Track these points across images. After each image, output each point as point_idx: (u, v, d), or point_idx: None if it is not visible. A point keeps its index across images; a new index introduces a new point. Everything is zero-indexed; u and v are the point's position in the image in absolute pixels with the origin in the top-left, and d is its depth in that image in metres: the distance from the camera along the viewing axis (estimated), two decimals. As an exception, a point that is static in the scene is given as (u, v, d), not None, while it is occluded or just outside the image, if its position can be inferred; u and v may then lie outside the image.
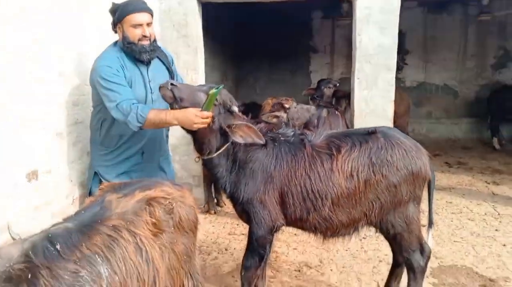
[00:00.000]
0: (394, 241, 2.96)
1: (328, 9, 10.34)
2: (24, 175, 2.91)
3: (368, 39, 5.12)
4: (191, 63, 5.18)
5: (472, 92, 10.40)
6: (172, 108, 2.87)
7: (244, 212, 2.99)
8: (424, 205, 3.39)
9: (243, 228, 4.93)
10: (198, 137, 2.90)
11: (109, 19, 3.43)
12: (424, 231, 3.14)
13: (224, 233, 4.82)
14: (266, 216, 2.88)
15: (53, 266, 1.50)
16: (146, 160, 3.33)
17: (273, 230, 2.95)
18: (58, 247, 1.55)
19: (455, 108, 10.48)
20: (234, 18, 9.73)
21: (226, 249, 4.38)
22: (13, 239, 1.66)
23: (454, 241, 4.39)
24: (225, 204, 5.73)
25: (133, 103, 2.88)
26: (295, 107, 4.74)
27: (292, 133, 3.02)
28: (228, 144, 2.89)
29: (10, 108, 2.77)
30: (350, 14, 5.59)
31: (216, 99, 2.77)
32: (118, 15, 3.03)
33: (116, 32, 3.17)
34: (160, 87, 2.79)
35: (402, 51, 10.06)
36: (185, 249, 2.03)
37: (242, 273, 3.05)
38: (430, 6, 10.04)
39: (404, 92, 8.57)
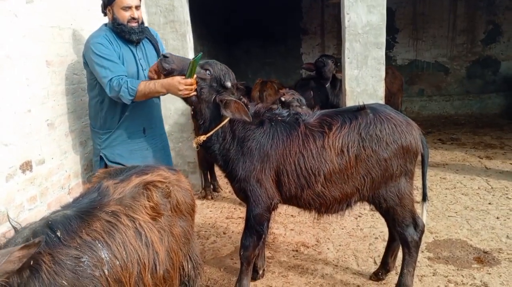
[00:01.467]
0: (388, 215, 3.01)
1: (317, -11, 10.26)
2: (18, 166, 2.90)
3: (356, 17, 5.09)
4: (180, 48, 5.14)
5: (463, 68, 10.43)
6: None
7: (241, 190, 3.04)
8: (418, 182, 3.45)
9: (240, 212, 4.97)
10: (194, 108, 3.00)
11: (98, 7, 3.41)
12: (418, 206, 3.18)
13: (222, 218, 4.85)
14: (263, 194, 2.94)
15: (55, 252, 1.51)
16: (149, 136, 3.46)
17: (270, 207, 3.00)
18: (58, 233, 1.56)
19: (446, 85, 10.52)
20: (223, 3, 9.62)
21: (224, 233, 4.42)
22: (13, 227, 1.66)
23: (449, 216, 4.45)
24: (221, 189, 5.76)
25: (122, 79, 3.03)
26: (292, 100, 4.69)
27: (287, 113, 3.07)
28: (226, 121, 2.95)
29: (-1, 100, 2.74)
30: (338, -7, 5.53)
31: (209, 72, 2.93)
32: None
33: (105, 14, 3.31)
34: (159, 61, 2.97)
35: (392, 29, 10.04)
36: (183, 232, 2.05)
37: (241, 252, 3.10)
38: (419, -17, 9.98)
39: (397, 70, 8.57)
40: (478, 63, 10.31)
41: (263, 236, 3.09)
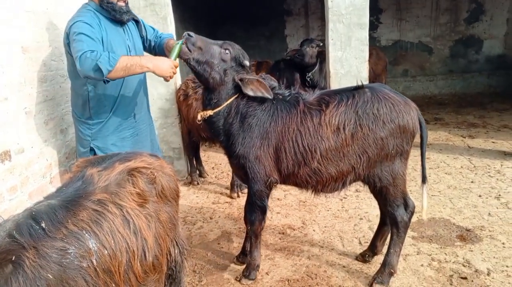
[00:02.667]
0: (380, 195, 3.03)
1: (300, -30, 10.13)
2: (-4, 157, 2.83)
3: (340, -2, 5.04)
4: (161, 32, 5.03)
5: (446, 48, 10.49)
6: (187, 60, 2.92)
7: (240, 167, 3.05)
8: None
9: (227, 197, 4.97)
10: (211, 88, 2.97)
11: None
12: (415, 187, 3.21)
13: (208, 203, 4.85)
14: (261, 171, 2.98)
15: (39, 245, 1.47)
16: (139, 121, 3.36)
17: (267, 183, 3.03)
18: (43, 224, 1.52)
19: (430, 65, 10.59)
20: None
21: (211, 218, 4.42)
22: None
23: (432, 195, 4.52)
24: (207, 175, 5.74)
25: (98, 52, 2.76)
26: None
27: (289, 92, 3.09)
28: (235, 96, 2.98)
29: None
30: (321, -27, 5.46)
31: (229, 51, 2.93)
32: None
33: None
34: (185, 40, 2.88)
35: (376, 10, 10.01)
36: (169, 217, 2.03)
37: (249, 227, 3.20)
38: (402, -38, 9.93)
39: (381, 51, 8.57)
40: (461, 42, 10.38)
41: (266, 210, 3.16)
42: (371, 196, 3.25)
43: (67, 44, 2.94)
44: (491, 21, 10.20)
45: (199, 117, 3.06)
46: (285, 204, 4.60)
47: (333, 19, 5.12)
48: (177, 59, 2.94)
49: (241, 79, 2.94)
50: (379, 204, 3.23)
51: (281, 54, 10.61)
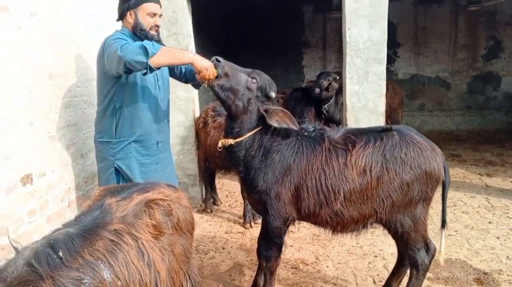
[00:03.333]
0: (401, 239, 2.97)
1: (319, 3, 10.33)
2: (18, 179, 2.89)
3: (358, 33, 5.12)
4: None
5: (464, 84, 10.47)
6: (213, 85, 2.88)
7: (260, 202, 2.97)
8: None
9: (240, 226, 4.95)
10: (233, 115, 2.91)
11: (100, 20, 3.41)
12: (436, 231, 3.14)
13: (221, 232, 4.83)
14: (281, 208, 2.90)
15: (56, 275, 1.49)
16: (161, 150, 3.34)
17: (287, 222, 2.97)
18: (60, 254, 1.54)
19: (447, 100, 10.55)
20: (224, 15, 9.70)
21: (223, 248, 4.39)
22: (14, 247, 1.64)
23: (449, 235, 4.43)
24: (221, 203, 5.74)
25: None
26: None
27: (313, 128, 3.04)
28: (259, 128, 2.91)
29: (1, 113, 2.75)
30: (340, 7, 5.58)
31: (256, 81, 2.90)
32: (136, 1, 3.05)
33: (121, 19, 3.18)
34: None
35: (393, 44, 10.10)
36: (184, 250, 2.04)
37: (264, 264, 3.13)
38: (421, -2, 10.07)
39: (398, 85, 8.60)
40: (479, 78, 10.36)
41: (282, 247, 3.10)
42: (386, 232, 3.20)
43: (100, 61, 3.01)
44: (509, 59, 10.19)
45: (219, 144, 2.99)
46: (299, 237, 4.56)
47: (350, 54, 5.19)
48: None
49: (265, 110, 2.85)
50: (397, 244, 3.15)
51: (298, 85, 10.77)
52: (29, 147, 3.04)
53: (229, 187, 6.50)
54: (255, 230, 4.83)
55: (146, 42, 2.73)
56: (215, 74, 2.82)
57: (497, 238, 4.33)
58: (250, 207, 5.07)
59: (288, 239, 4.48)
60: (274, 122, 2.83)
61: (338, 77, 6.27)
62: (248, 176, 2.97)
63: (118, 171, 3.15)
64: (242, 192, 5.08)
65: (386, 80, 5.30)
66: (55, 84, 3.40)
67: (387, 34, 5.18)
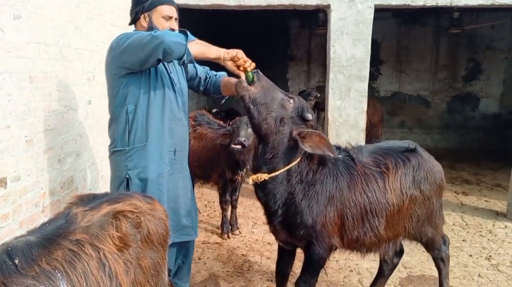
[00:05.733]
0: (426, 245, 3.23)
1: (305, 18, 10.49)
2: (-10, 184, 2.84)
3: (341, 50, 5.23)
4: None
5: (444, 103, 10.72)
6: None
7: (303, 238, 2.74)
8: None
9: (217, 237, 4.94)
10: (263, 136, 2.58)
11: (84, 24, 3.38)
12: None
13: (198, 242, 4.79)
14: (326, 238, 2.73)
15: (9, 282, 1.46)
16: (177, 159, 3.01)
17: (332, 251, 2.86)
18: (16, 261, 1.51)
19: (427, 118, 10.78)
20: (211, 28, 9.75)
21: (199, 258, 4.37)
22: None
23: (423, 251, 4.42)
24: (200, 212, 5.71)
25: None
26: None
27: (337, 150, 2.84)
28: (297, 160, 2.61)
29: (-23, 115, 2.71)
30: (326, 23, 5.69)
31: (293, 101, 2.63)
32: (151, 3, 2.85)
33: (133, 23, 2.99)
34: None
35: (376, 61, 10.30)
36: (153, 263, 2.01)
37: None
38: (404, 18, 10.32)
39: (378, 101, 8.76)
40: (458, 98, 10.64)
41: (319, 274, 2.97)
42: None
43: (112, 67, 2.77)
44: (488, 81, 10.50)
45: (250, 181, 2.65)
46: (275, 249, 4.54)
47: (334, 70, 5.29)
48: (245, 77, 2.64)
49: (299, 133, 2.54)
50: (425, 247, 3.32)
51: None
52: (4, 150, 2.99)
53: (208, 197, 6.47)
54: (233, 241, 4.82)
55: (180, 31, 2.60)
56: (252, 66, 2.58)
57: (470, 256, 4.41)
58: (228, 218, 5.08)
59: (265, 251, 4.49)
60: (307, 148, 2.52)
61: (318, 95, 6.38)
62: (288, 213, 2.69)
63: (128, 183, 2.83)
64: (221, 202, 5.08)
65: (368, 97, 5.41)
66: (35, 88, 3.36)
67: (371, 51, 5.30)
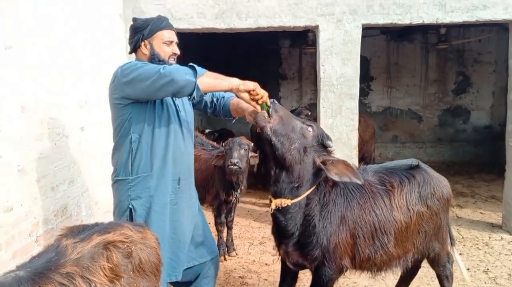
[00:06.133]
0: (432, 261, 3.24)
1: (295, 38, 10.64)
2: (-18, 215, 2.82)
3: (331, 69, 5.30)
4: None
5: (435, 117, 10.83)
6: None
7: (317, 258, 2.72)
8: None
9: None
10: (287, 166, 2.55)
11: (77, 52, 3.40)
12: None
13: (194, 265, 4.75)
14: (337, 260, 2.72)
15: None
16: (182, 188, 2.91)
17: (342, 272, 2.85)
18: None
19: (419, 132, 10.87)
20: (203, 49, 9.86)
21: (195, 282, 4.32)
22: None
23: (422, 267, 4.46)
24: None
25: None
26: None
27: None
28: (317, 184, 2.64)
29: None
30: (316, 42, 5.78)
31: (312, 129, 2.62)
32: (150, 30, 2.79)
33: (134, 51, 2.93)
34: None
35: (367, 78, 10.43)
36: (145, 292, 2.00)
37: None
38: (392, 35, 10.50)
39: (370, 117, 8.83)
40: (449, 112, 10.76)
41: None
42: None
43: (114, 91, 2.69)
44: (477, 93, 10.64)
45: (273, 206, 2.63)
46: (273, 270, 4.53)
47: (324, 89, 5.35)
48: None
49: (323, 162, 2.55)
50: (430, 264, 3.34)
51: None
52: (-4, 180, 2.99)
53: (204, 219, 6.43)
54: (229, 262, 4.78)
55: (190, 66, 2.53)
56: (268, 101, 2.52)
57: (468, 269, 4.39)
58: (224, 240, 5.06)
59: (262, 272, 4.46)
60: (334, 176, 2.53)
61: (310, 113, 6.43)
62: (304, 234, 2.69)
63: (132, 214, 2.74)
64: (216, 224, 5.06)
65: (358, 114, 5.46)
66: (27, 117, 3.37)
67: (361, 68, 5.38)
